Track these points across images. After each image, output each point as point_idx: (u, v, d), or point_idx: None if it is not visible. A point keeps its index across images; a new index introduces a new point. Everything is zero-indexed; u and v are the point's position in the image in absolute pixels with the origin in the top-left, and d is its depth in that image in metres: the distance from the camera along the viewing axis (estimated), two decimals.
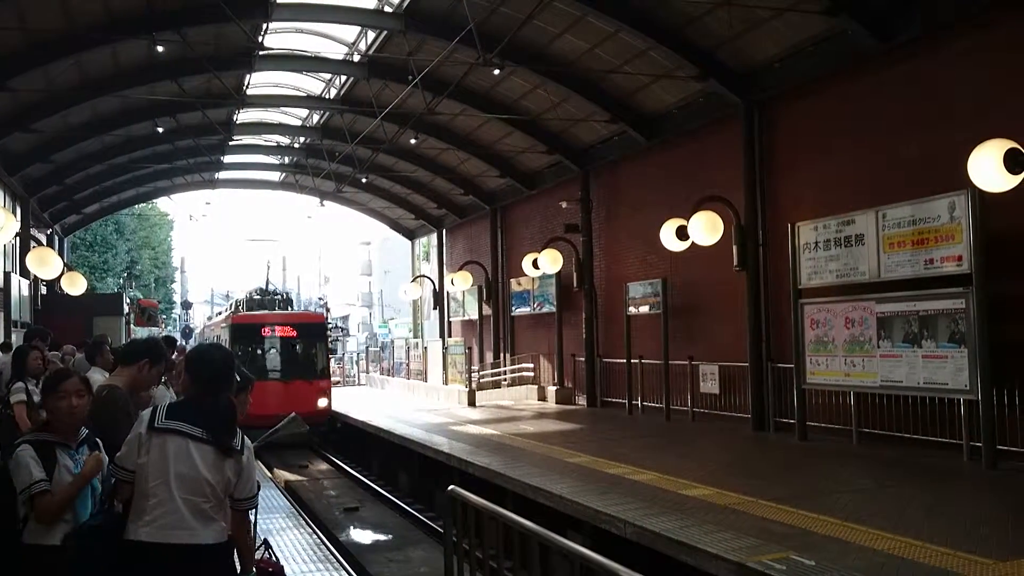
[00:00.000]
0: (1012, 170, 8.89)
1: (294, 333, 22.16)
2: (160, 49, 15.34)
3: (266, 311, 23.69)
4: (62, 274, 20.05)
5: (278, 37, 19.12)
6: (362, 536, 12.84)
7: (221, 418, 3.79)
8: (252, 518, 4.86)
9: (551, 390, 21.43)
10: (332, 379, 24.60)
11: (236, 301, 26.51)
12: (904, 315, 11.17)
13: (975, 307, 10.09)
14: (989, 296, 10.12)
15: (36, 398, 7.26)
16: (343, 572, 7.42)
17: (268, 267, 29.13)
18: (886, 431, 11.84)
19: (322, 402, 21.42)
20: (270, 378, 20.71)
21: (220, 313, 31.75)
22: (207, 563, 3.68)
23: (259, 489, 4.59)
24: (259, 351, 21.94)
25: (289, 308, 25.14)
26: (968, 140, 9.51)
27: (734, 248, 14.60)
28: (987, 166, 9.05)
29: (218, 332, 25.91)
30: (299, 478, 18.08)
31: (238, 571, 3.93)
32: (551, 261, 20.05)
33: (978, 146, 9.17)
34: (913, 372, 11.00)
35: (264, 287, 26.44)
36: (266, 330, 21.93)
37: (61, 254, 24.54)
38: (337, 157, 25.17)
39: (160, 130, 21.73)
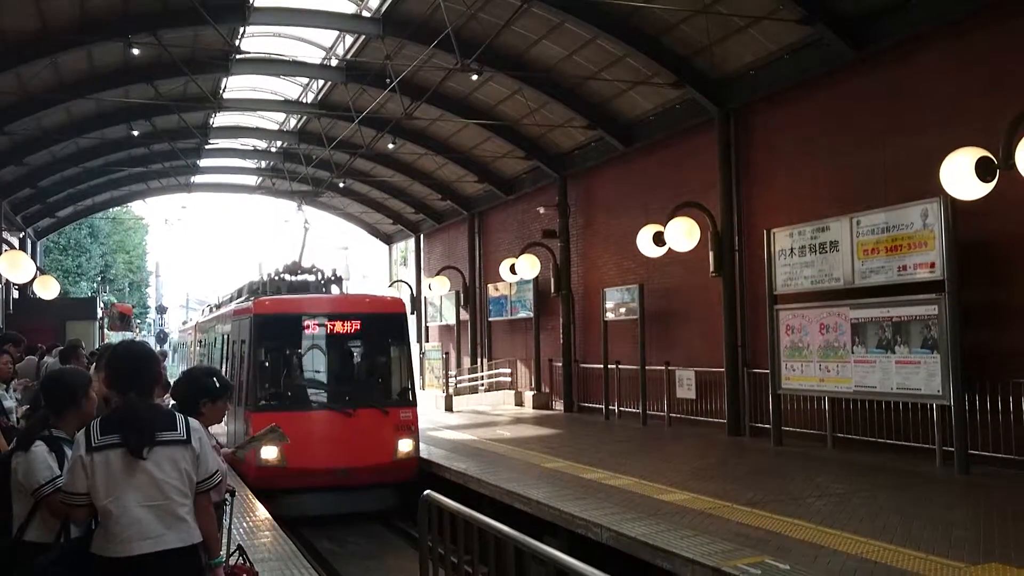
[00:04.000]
0: (983, 178, 8.98)
1: (357, 327, 13.24)
2: (136, 52, 15.24)
3: (306, 295, 14.62)
4: (34, 278, 19.78)
5: (255, 41, 19.06)
6: (338, 542, 12.73)
7: (135, 418, 3.73)
8: (227, 523, 4.82)
9: (528, 395, 21.45)
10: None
11: (251, 283, 16.81)
12: (878, 321, 11.27)
13: (947, 313, 10.20)
14: (961, 302, 10.24)
15: (6, 403, 7.16)
16: None
17: (306, 227, 17.00)
18: (860, 436, 11.95)
19: (405, 446, 12.73)
20: (314, 406, 12.93)
21: (219, 305, 20.34)
22: (174, 568, 3.67)
23: (233, 496, 4.53)
24: (296, 359, 13.42)
25: (339, 292, 15.53)
26: (941, 148, 9.62)
27: (710, 254, 14.71)
28: (959, 174, 9.15)
29: (225, 330, 16.24)
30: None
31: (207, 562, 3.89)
32: (529, 266, 20.09)
33: (950, 154, 9.28)
34: (887, 378, 11.10)
35: (298, 261, 15.81)
36: (311, 324, 13.14)
37: (34, 258, 24.24)
38: (314, 161, 25.08)
39: (135, 133, 21.59)
